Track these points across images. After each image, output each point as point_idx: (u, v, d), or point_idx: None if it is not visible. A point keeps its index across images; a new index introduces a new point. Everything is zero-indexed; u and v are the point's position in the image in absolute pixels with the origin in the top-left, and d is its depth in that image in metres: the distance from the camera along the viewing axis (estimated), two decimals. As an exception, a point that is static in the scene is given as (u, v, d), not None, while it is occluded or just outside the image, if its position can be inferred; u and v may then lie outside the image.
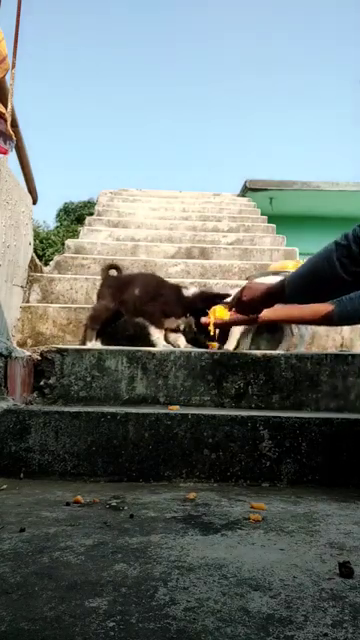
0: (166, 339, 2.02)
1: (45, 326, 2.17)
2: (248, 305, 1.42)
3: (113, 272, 2.26)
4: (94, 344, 1.99)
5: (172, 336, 2.07)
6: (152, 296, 2.02)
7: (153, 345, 1.94)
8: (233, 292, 2.00)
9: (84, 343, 2.03)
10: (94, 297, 2.27)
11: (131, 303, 2.04)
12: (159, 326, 1.98)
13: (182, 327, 2.05)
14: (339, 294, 1.20)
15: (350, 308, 1.52)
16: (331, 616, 0.60)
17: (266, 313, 1.62)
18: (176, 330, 2.06)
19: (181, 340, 2.03)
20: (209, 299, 1.95)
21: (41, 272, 2.61)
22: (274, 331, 2.33)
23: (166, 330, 2.03)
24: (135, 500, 1.08)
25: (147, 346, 1.92)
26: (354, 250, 1.04)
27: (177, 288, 2.06)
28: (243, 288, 1.45)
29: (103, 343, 2.05)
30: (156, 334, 1.97)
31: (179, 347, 1.97)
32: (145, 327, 2.04)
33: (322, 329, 2.28)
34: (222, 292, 2.05)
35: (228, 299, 2.02)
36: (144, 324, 2.04)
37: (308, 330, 2.19)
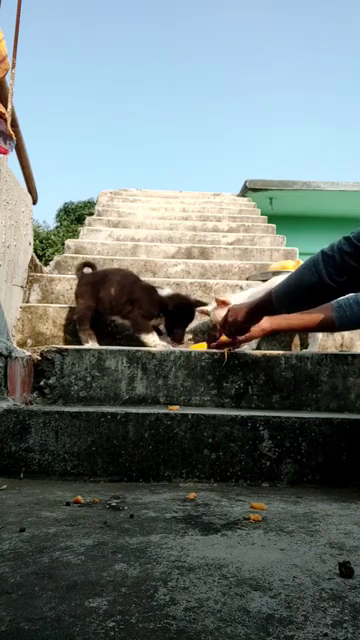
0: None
1: (45, 326, 2.17)
2: (234, 325, 1.47)
3: (88, 270, 2.27)
4: (92, 344, 2.00)
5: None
6: (128, 296, 2.05)
7: (143, 344, 1.96)
8: (212, 304, 2.04)
9: (81, 345, 2.04)
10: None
11: (107, 302, 2.06)
12: (148, 330, 1.99)
13: (161, 327, 2.08)
14: (326, 300, 1.24)
15: (349, 314, 1.54)
16: (331, 616, 0.60)
17: (267, 324, 1.65)
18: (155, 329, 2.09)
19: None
20: (182, 304, 2.00)
21: (41, 272, 2.61)
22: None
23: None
24: (135, 500, 1.08)
25: (144, 345, 1.92)
26: (337, 260, 1.09)
27: (152, 288, 2.09)
28: (228, 311, 1.50)
29: (101, 342, 2.06)
30: (150, 338, 1.98)
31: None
32: (127, 328, 2.08)
33: (322, 329, 2.28)
34: (199, 300, 2.09)
35: (205, 307, 2.07)
36: (124, 325, 2.09)
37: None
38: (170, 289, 2.12)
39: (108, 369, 1.62)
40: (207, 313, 2.09)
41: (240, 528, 0.91)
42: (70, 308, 2.19)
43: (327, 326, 1.59)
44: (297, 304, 1.26)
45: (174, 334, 2.01)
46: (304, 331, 2.05)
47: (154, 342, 1.96)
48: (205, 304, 2.13)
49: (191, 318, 2.05)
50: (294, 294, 1.22)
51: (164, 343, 1.98)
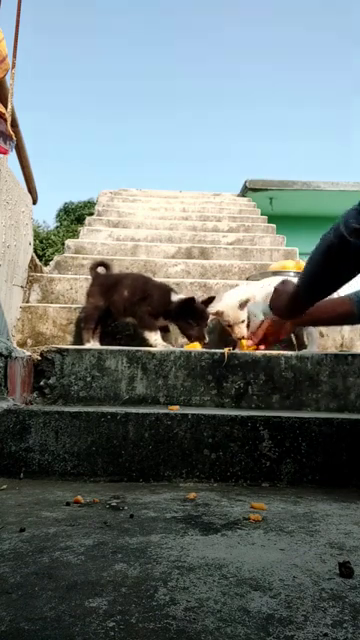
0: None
1: (45, 326, 2.17)
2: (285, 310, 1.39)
3: (102, 269, 2.28)
4: (93, 344, 2.00)
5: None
6: (140, 298, 2.05)
7: (152, 346, 1.95)
8: (218, 306, 2.05)
9: (82, 344, 2.04)
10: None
11: (121, 304, 2.07)
12: (153, 328, 2.00)
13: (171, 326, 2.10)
14: (347, 267, 1.11)
15: None
16: (331, 616, 0.60)
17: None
18: (165, 329, 2.11)
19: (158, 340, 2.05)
20: (193, 306, 2.01)
21: (41, 272, 2.61)
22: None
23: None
24: (135, 500, 1.08)
25: (144, 345, 1.93)
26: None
27: (166, 289, 2.09)
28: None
29: (102, 342, 2.06)
30: (152, 337, 1.99)
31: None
32: (137, 327, 2.08)
33: (322, 329, 2.28)
34: (208, 310, 2.09)
35: (211, 317, 2.09)
36: (135, 325, 2.08)
37: (317, 330, 2.20)
38: (183, 295, 2.12)
39: (108, 369, 1.62)
40: (220, 314, 2.08)
41: (240, 528, 0.91)
42: (70, 308, 2.19)
43: (349, 317, 1.54)
44: (322, 281, 1.19)
45: (189, 336, 2.02)
46: (327, 324, 2.02)
47: (155, 341, 1.97)
48: (213, 298, 2.13)
49: (205, 317, 2.06)
50: (318, 270, 1.14)
51: (165, 343, 1.98)
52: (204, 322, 2.05)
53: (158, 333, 2.00)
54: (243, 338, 2.07)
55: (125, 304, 2.06)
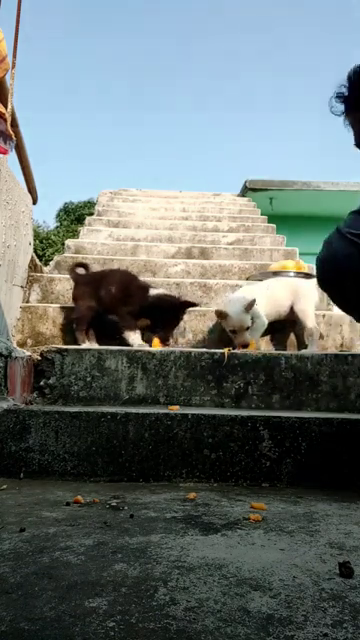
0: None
1: (45, 326, 2.17)
2: None
3: (81, 270, 2.27)
4: (88, 345, 2.00)
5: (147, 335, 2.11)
6: (126, 294, 2.06)
7: (130, 345, 1.97)
8: (223, 308, 2.03)
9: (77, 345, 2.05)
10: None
11: (108, 301, 2.07)
12: (132, 328, 2.02)
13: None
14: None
15: None
16: (331, 616, 0.60)
17: None
18: (148, 329, 2.10)
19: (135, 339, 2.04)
20: (168, 304, 2.01)
21: (41, 272, 2.61)
22: (280, 330, 2.34)
23: (142, 328, 2.07)
24: (135, 500, 1.08)
25: (127, 345, 1.94)
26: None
27: (146, 288, 2.09)
28: None
29: (100, 343, 2.07)
30: (131, 335, 2.01)
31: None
32: (119, 326, 2.08)
33: (322, 329, 2.28)
34: (189, 301, 2.10)
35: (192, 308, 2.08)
36: (117, 323, 2.09)
37: (318, 329, 2.20)
38: (163, 289, 2.13)
39: (108, 369, 1.62)
40: (224, 316, 2.05)
41: (240, 528, 0.91)
42: (70, 308, 2.19)
43: None
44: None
45: (157, 333, 2.03)
46: None
47: (133, 341, 1.99)
48: (197, 304, 2.12)
49: (178, 319, 2.06)
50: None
51: (142, 343, 2.00)
52: (175, 323, 2.06)
53: (137, 333, 2.02)
54: (246, 345, 2.04)
55: (112, 301, 2.07)
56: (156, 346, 1.96)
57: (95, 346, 1.97)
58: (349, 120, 1.12)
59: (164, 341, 2.01)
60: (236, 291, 2.32)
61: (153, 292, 2.05)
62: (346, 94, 1.08)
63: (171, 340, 2.05)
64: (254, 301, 2.04)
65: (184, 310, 2.06)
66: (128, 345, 1.95)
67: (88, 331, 2.09)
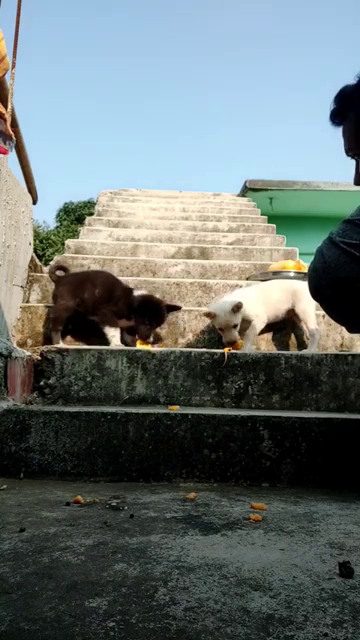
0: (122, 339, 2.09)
1: (45, 326, 2.17)
2: None
3: (60, 272, 2.28)
4: (63, 346, 2.01)
5: (127, 337, 2.15)
6: (111, 295, 2.09)
7: (108, 343, 2.01)
8: (211, 308, 2.05)
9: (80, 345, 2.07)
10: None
11: (90, 302, 2.09)
12: (113, 325, 2.05)
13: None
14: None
15: None
16: (331, 616, 0.60)
17: None
18: (130, 330, 2.13)
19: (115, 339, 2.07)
20: (151, 305, 2.05)
21: (41, 272, 2.61)
22: (280, 330, 2.34)
23: (122, 329, 2.11)
24: (135, 500, 1.08)
25: (105, 344, 1.95)
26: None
27: (129, 290, 2.13)
28: None
29: (89, 342, 2.09)
30: (111, 332, 2.04)
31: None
32: (100, 325, 2.11)
33: (322, 329, 2.28)
34: (172, 304, 2.15)
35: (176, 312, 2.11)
36: (99, 321, 2.11)
37: (319, 330, 2.20)
38: (145, 291, 2.16)
39: (108, 369, 1.62)
40: (212, 316, 2.08)
41: (240, 528, 0.91)
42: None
43: None
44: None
45: (139, 330, 2.05)
46: None
47: (112, 337, 2.02)
48: (179, 308, 2.15)
49: (161, 319, 2.08)
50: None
51: (120, 343, 2.03)
52: (157, 324, 2.08)
53: (118, 330, 2.04)
54: (234, 343, 2.07)
55: (95, 302, 2.08)
56: (143, 346, 1.98)
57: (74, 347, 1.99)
58: (342, 130, 1.20)
59: (145, 338, 2.04)
60: (235, 291, 2.33)
61: (137, 293, 2.10)
62: (333, 107, 1.18)
63: (152, 338, 2.08)
64: (241, 304, 2.07)
65: (168, 311, 2.10)
66: (107, 343, 1.97)
67: (64, 332, 2.12)
